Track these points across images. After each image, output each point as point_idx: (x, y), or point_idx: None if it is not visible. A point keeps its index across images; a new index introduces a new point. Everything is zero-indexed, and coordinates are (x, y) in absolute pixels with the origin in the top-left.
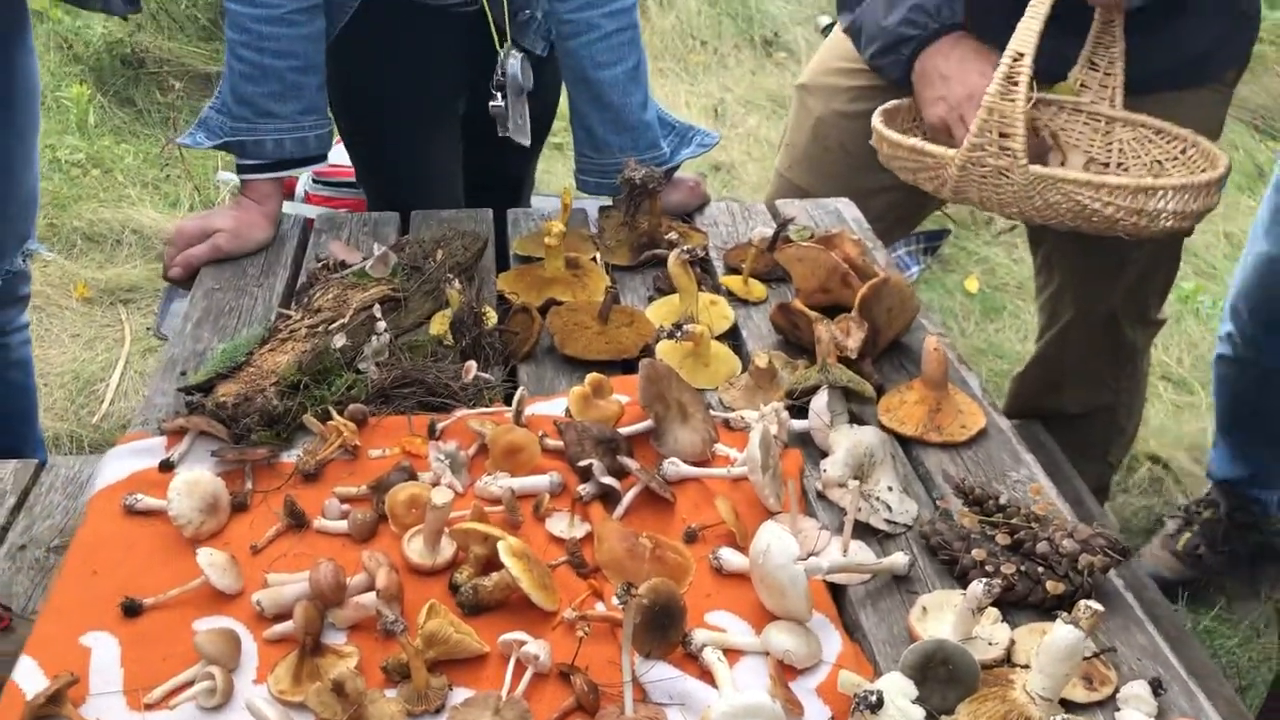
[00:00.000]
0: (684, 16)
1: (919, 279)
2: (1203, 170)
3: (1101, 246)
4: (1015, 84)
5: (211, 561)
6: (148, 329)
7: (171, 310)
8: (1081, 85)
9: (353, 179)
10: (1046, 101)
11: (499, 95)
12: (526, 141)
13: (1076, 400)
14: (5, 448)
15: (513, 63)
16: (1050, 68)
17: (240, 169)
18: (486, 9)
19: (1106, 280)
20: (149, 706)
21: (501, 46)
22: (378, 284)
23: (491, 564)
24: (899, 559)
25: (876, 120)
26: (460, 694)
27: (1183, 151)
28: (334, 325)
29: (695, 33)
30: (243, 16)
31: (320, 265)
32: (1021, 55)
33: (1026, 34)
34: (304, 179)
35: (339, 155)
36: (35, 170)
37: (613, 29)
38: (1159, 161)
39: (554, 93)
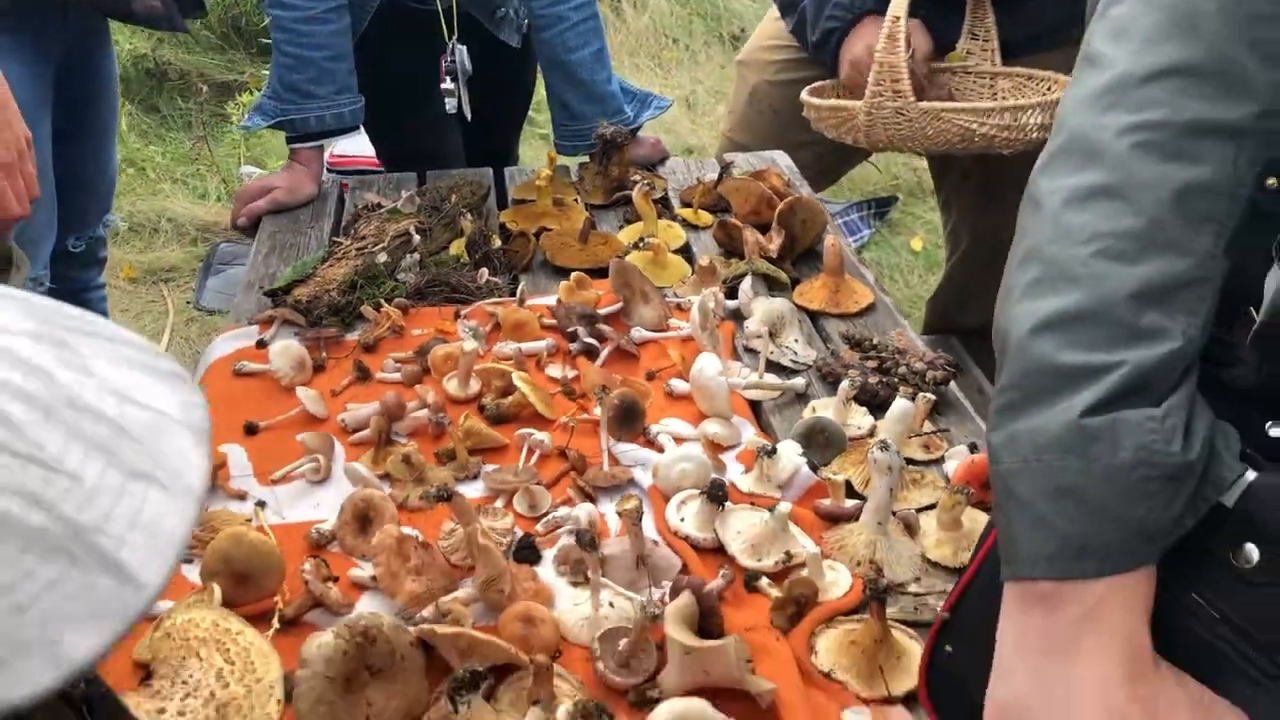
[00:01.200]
0: (657, 17)
1: (869, 240)
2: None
3: (986, 185)
4: (896, 41)
5: (307, 395)
6: (188, 302)
7: (208, 286)
8: (967, 52)
9: (363, 167)
10: (942, 69)
11: (449, 79)
12: (468, 117)
13: (977, 315)
14: None
15: (460, 51)
16: (943, 42)
17: (289, 140)
18: (439, 10)
19: (992, 212)
20: (274, 481)
21: (450, 39)
22: (407, 218)
23: (507, 392)
24: (799, 381)
25: (805, 95)
26: (489, 468)
27: (1049, 88)
28: (377, 246)
29: (668, 31)
30: (283, 19)
31: (362, 207)
32: (898, 18)
33: (899, 1)
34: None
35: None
36: (115, 155)
37: (579, 19)
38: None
39: (530, 78)
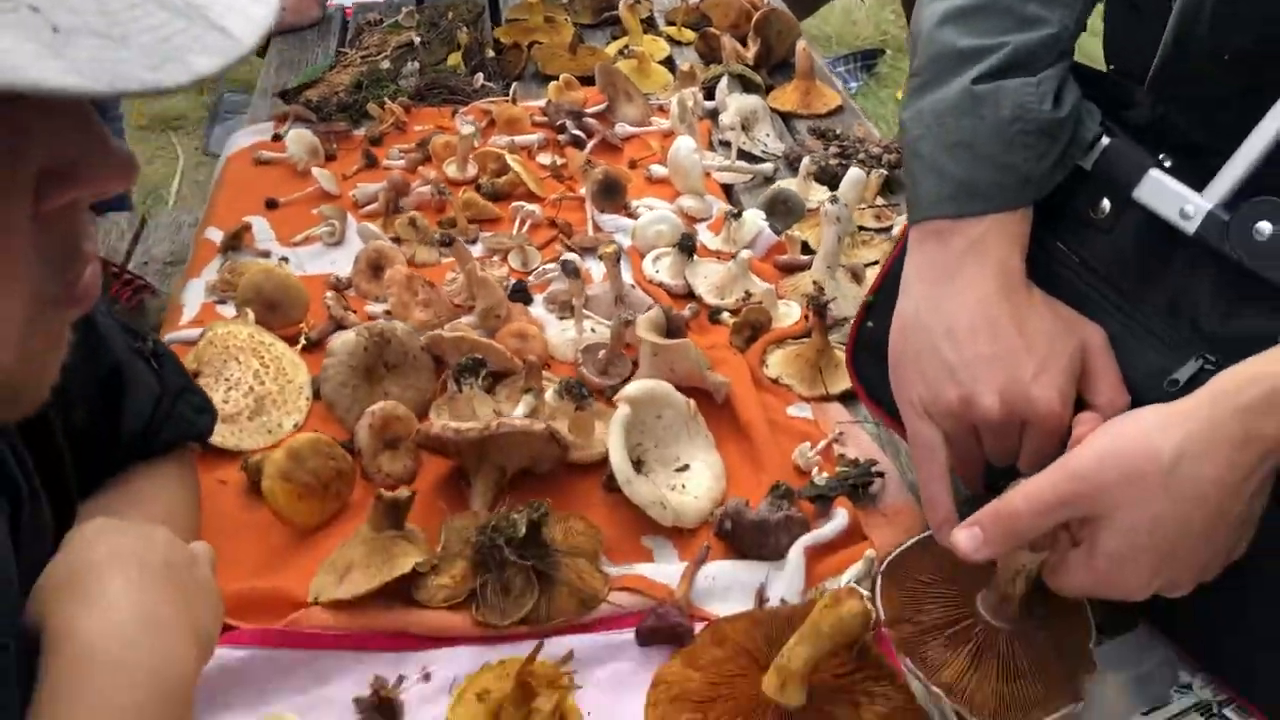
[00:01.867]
0: None
1: (857, 93)
2: None
3: None
4: None
5: (321, 174)
6: (196, 148)
7: (215, 132)
8: None
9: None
10: None
11: None
12: None
13: None
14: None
15: None
16: None
17: None
18: None
19: None
20: (295, 244)
21: None
22: (407, 30)
23: (501, 173)
24: (767, 166)
25: None
26: (486, 234)
27: None
28: (380, 55)
29: None
30: None
31: (364, 23)
32: None
33: None
34: None
35: None
36: None
37: None
38: None
39: None
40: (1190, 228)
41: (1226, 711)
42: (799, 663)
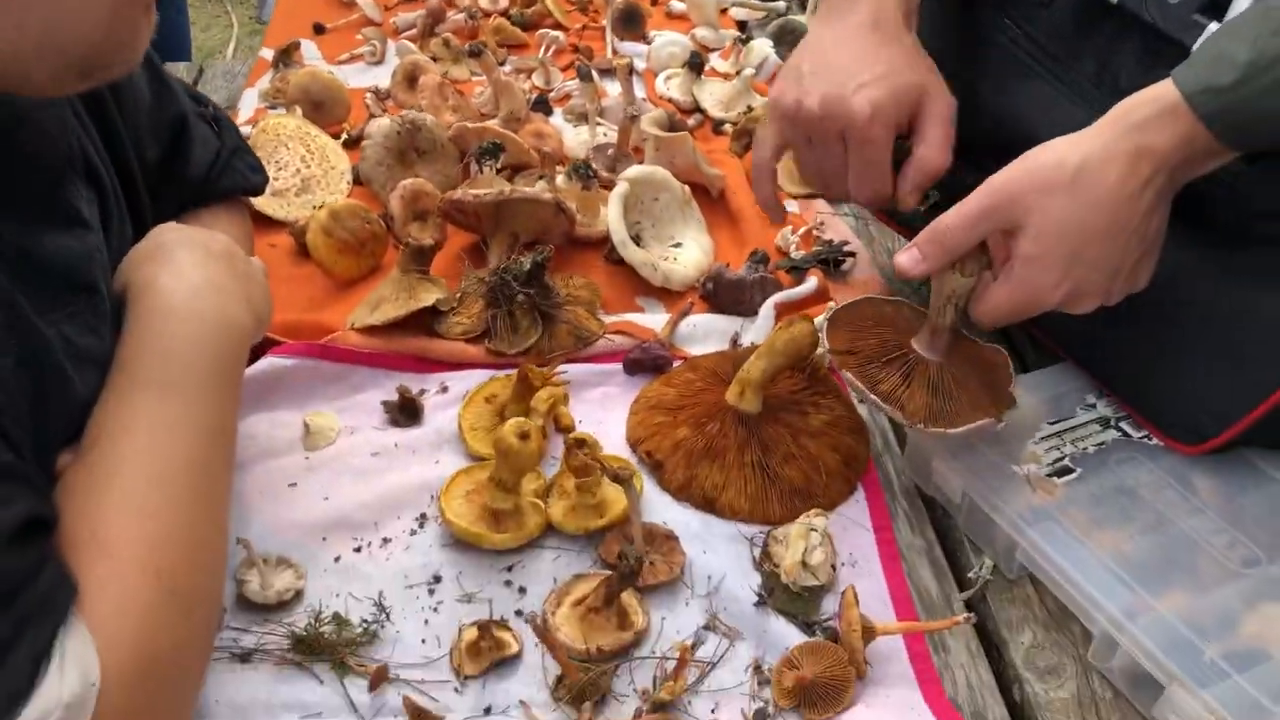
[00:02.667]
0: None
1: None
2: None
3: None
4: None
5: (364, 2)
6: (250, 16)
7: (267, 2)
8: None
9: None
10: None
11: None
12: None
13: None
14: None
15: None
16: None
17: None
18: None
19: None
20: (340, 62)
21: None
22: None
23: (531, 4)
24: (779, 3)
25: None
26: (513, 57)
27: None
28: None
29: None
30: None
31: None
32: None
33: None
34: None
35: None
36: None
37: None
38: None
39: None
40: None
41: (1123, 424)
42: (756, 374)
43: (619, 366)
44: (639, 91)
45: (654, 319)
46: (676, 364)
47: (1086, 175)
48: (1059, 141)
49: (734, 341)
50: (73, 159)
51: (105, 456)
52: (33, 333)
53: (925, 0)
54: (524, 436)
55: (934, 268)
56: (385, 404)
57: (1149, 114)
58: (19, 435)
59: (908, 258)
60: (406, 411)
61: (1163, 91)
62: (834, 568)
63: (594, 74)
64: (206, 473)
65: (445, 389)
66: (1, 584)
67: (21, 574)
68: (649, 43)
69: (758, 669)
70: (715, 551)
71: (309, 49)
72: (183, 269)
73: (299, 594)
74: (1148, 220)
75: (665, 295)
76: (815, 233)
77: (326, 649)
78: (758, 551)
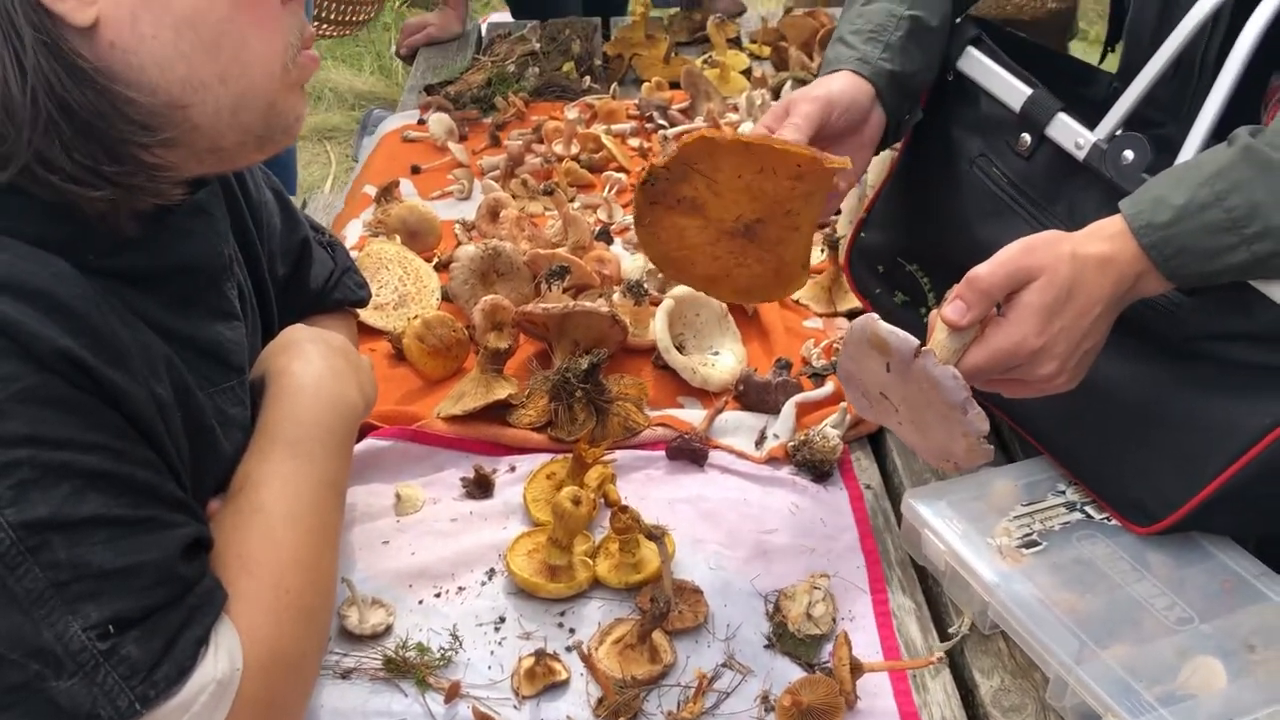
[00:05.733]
0: None
1: None
2: None
3: None
4: None
5: (455, 147)
6: (346, 155)
7: (364, 144)
8: None
9: None
10: None
11: None
12: None
13: None
14: None
15: None
16: None
17: None
18: None
19: None
20: (433, 198)
21: None
22: (531, 42)
23: (598, 150)
24: None
25: None
26: (581, 196)
27: None
28: (507, 61)
29: None
30: None
31: (495, 36)
32: None
33: None
34: None
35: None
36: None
37: None
38: None
39: None
40: (1081, 155)
41: (1087, 508)
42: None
43: (662, 454)
44: None
45: (693, 414)
46: (712, 453)
47: (1079, 257)
48: (1055, 233)
49: (761, 436)
50: (227, 265)
51: (249, 499)
52: (194, 403)
53: (919, 141)
54: (576, 502)
55: (978, 316)
56: (463, 480)
57: (1113, 232)
58: (186, 479)
59: (953, 309)
60: (481, 486)
61: (1119, 220)
62: (834, 620)
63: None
64: (324, 517)
65: (513, 469)
66: (177, 584)
67: (190, 578)
68: None
69: (765, 699)
70: (735, 605)
71: (406, 186)
72: (310, 358)
73: (389, 629)
74: (1104, 317)
75: (703, 395)
76: (835, 346)
77: (411, 669)
78: (770, 606)
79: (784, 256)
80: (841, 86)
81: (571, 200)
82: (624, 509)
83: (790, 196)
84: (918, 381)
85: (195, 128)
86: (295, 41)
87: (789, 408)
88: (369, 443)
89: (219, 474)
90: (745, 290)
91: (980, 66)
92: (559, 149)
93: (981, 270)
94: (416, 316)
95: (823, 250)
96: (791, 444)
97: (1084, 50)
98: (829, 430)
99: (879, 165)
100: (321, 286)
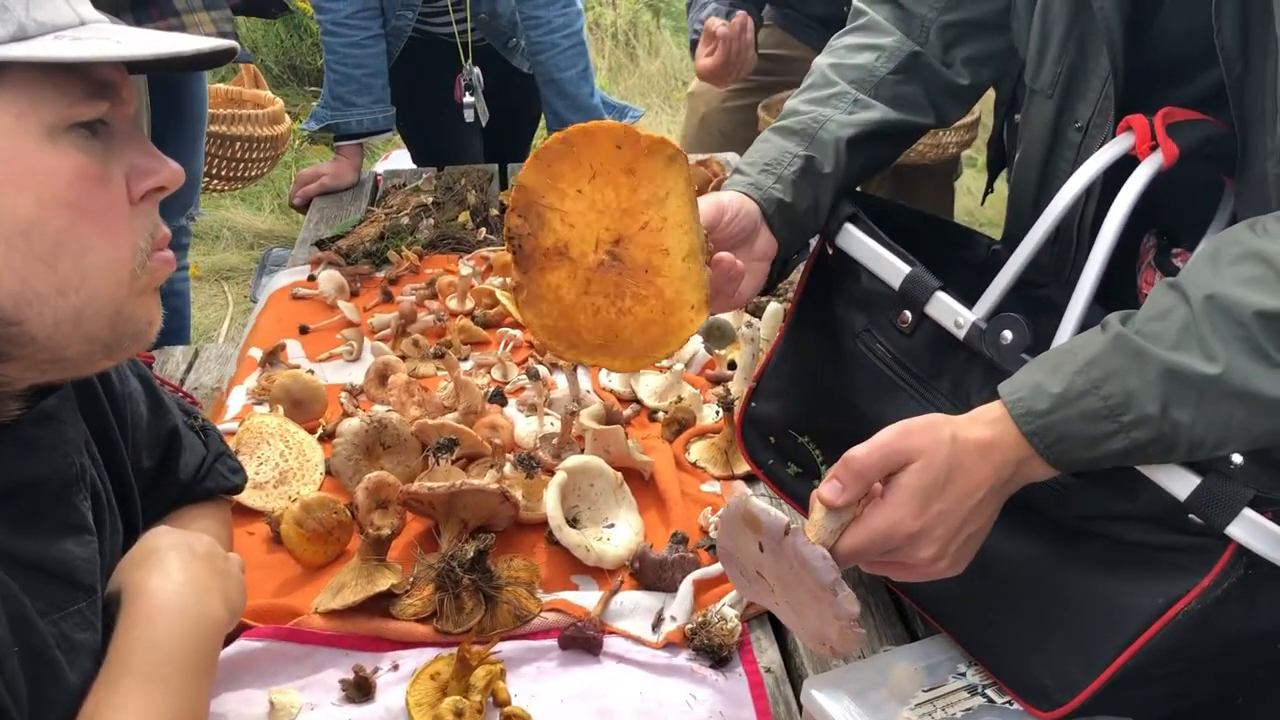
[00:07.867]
0: (667, 62)
1: None
2: None
3: (896, 193)
4: None
5: (345, 305)
6: (245, 296)
7: (263, 283)
8: None
9: None
10: None
11: (467, 94)
12: (485, 120)
13: None
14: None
15: (475, 71)
16: None
17: (335, 139)
18: (456, 38)
19: None
20: (320, 360)
21: (466, 61)
22: (426, 193)
23: (493, 306)
24: None
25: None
26: (475, 353)
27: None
28: (401, 213)
29: (677, 75)
30: (333, 44)
31: (390, 185)
32: None
33: None
34: None
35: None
36: (200, 160)
37: (568, 45)
38: None
39: (538, 99)
40: (961, 334)
41: (988, 691)
42: None
43: (554, 642)
44: (584, 384)
45: (588, 596)
46: (606, 640)
47: (959, 440)
48: (936, 416)
49: (658, 618)
50: (78, 475)
51: None
52: (35, 636)
53: (806, 313)
54: (459, 714)
55: (853, 497)
56: (343, 682)
57: (993, 417)
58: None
59: (829, 489)
60: (361, 689)
61: (1000, 406)
62: None
63: (541, 372)
64: None
65: (396, 666)
66: None
67: None
68: None
69: None
70: None
71: (293, 348)
72: (170, 571)
73: None
74: (987, 502)
75: (599, 573)
76: None
77: None
78: None
79: (664, 291)
80: (731, 197)
81: (464, 359)
82: (512, 716)
83: (634, 201)
84: (789, 561)
85: (33, 339)
86: (145, 245)
87: (686, 585)
88: (241, 644)
89: (64, 708)
90: (641, 349)
91: (858, 244)
92: (453, 304)
93: (858, 452)
94: (295, 499)
95: (718, 411)
96: (689, 626)
97: (974, 176)
98: (727, 611)
99: (771, 320)
100: (192, 476)
